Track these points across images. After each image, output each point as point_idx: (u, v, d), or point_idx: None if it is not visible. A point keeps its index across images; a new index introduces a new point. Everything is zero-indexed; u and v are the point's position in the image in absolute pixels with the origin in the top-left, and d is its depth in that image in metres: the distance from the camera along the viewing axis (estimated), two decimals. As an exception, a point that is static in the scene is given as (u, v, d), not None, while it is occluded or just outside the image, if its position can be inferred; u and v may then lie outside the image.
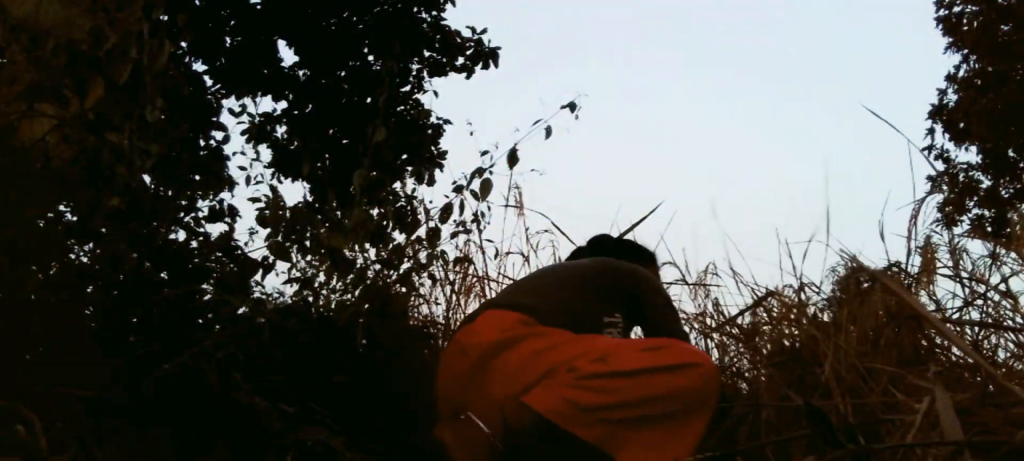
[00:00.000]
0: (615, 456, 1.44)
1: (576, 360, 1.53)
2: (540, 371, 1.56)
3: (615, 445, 1.44)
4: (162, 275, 2.12)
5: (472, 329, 1.71)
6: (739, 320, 2.55)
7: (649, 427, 1.46)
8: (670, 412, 1.47)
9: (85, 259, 2.13)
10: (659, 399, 1.46)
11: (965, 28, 11.37)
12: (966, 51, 11.41)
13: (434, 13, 5.69)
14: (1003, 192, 11.27)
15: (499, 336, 1.65)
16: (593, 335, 1.73)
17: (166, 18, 3.78)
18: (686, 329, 2.21)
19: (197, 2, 4.99)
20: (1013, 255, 2.45)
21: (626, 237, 2.61)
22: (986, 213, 11.32)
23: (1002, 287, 2.21)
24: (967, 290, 2.38)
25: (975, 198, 11.41)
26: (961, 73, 11.52)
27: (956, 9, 11.49)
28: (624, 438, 1.45)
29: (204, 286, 2.23)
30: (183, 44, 4.63)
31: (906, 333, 2.11)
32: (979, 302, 2.30)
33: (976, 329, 2.25)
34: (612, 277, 1.98)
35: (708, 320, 2.65)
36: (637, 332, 2.09)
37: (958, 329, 2.26)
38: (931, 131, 11.73)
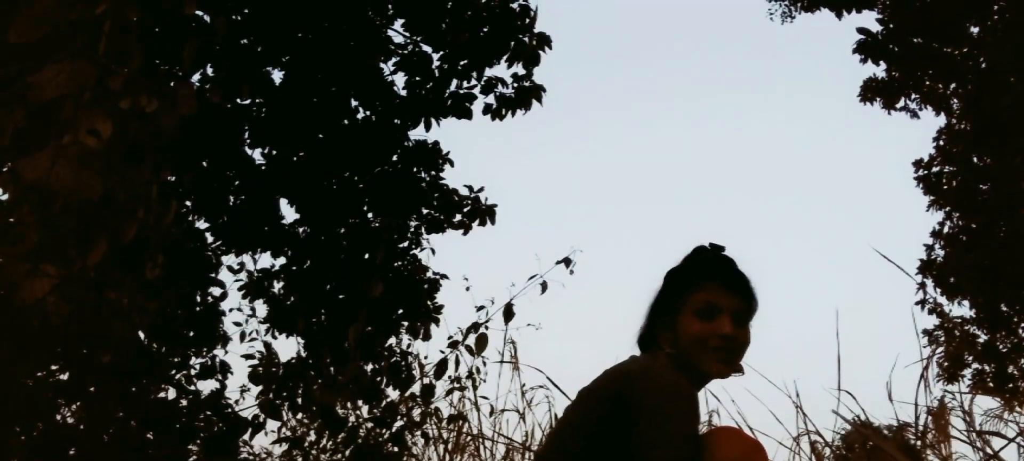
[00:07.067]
0: None
1: None
2: None
3: None
4: (148, 435, 2.07)
5: None
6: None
7: None
8: None
9: (71, 420, 2.08)
10: None
11: (945, 187, 11.79)
12: (948, 208, 11.77)
13: (433, 173, 5.91)
14: (1001, 346, 11.23)
15: None
16: None
17: (173, 178, 3.91)
18: None
19: (203, 163, 5.18)
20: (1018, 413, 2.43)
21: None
22: (986, 368, 11.23)
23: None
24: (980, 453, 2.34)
25: (973, 354, 11.35)
26: (945, 229, 11.81)
27: (934, 169, 11.97)
28: None
29: (191, 447, 2.17)
30: (187, 203, 4.76)
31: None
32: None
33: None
34: (595, 399, 1.49)
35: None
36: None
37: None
38: (922, 285, 11.86)
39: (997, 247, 10.75)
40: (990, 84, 10.46)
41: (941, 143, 11.96)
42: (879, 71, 11.77)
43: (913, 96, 11.89)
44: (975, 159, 11.53)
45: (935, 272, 11.67)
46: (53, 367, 2.07)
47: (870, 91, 11.85)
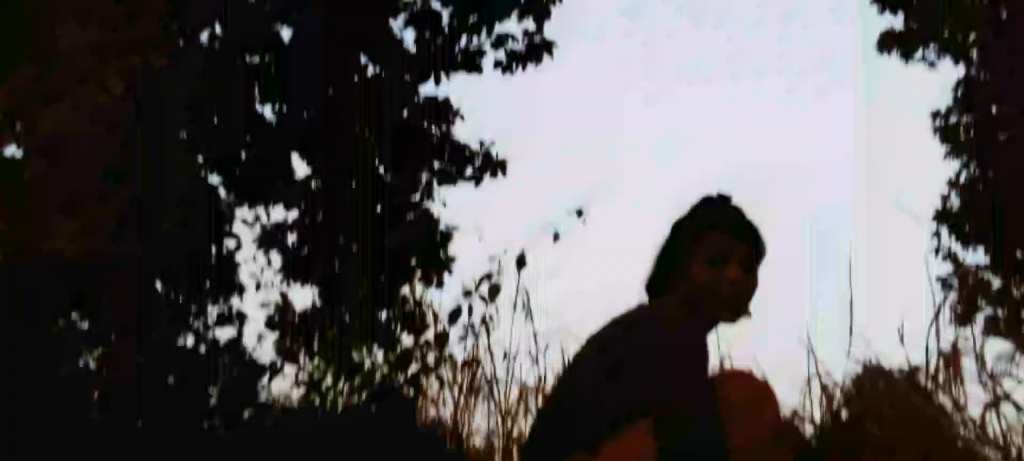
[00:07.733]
0: None
1: None
2: None
3: None
4: (169, 380, 2.11)
5: None
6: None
7: None
8: None
9: (93, 365, 2.13)
10: None
11: (962, 138, 11.63)
12: (965, 157, 11.62)
13: (443, 127, 5.91)
14: (1015, 292, 11.18)
15: None
16: None
17: (186, 134, 3.92)
18: None
19: (215, 119, 5.20)
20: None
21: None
22: (999, 313, 11.19)
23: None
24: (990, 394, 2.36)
25: (986, 299, 11.32)
26: (962, 179, 11.68)
27: (952, 120, 11.79)
28: None
29: (209, 391, 2.22)
30: (200, 157, 4.79)
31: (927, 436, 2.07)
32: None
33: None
34: (602, 345, 1.50)
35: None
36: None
37: (980, 432, 2.22)
38: (937, 233, 11.78)
39: (1014, 195, 10.64)
40: (1010, 33, 10.23)
41: (959, 94, 11.76)
42: (896, 22, 11.50)
43: (931, 45, 11.65)
44: (994, 108, 11.34)
45: (951, 220, 11.58)
46: (73, 315, 2.11)
47: (888, 41, 11.61)
